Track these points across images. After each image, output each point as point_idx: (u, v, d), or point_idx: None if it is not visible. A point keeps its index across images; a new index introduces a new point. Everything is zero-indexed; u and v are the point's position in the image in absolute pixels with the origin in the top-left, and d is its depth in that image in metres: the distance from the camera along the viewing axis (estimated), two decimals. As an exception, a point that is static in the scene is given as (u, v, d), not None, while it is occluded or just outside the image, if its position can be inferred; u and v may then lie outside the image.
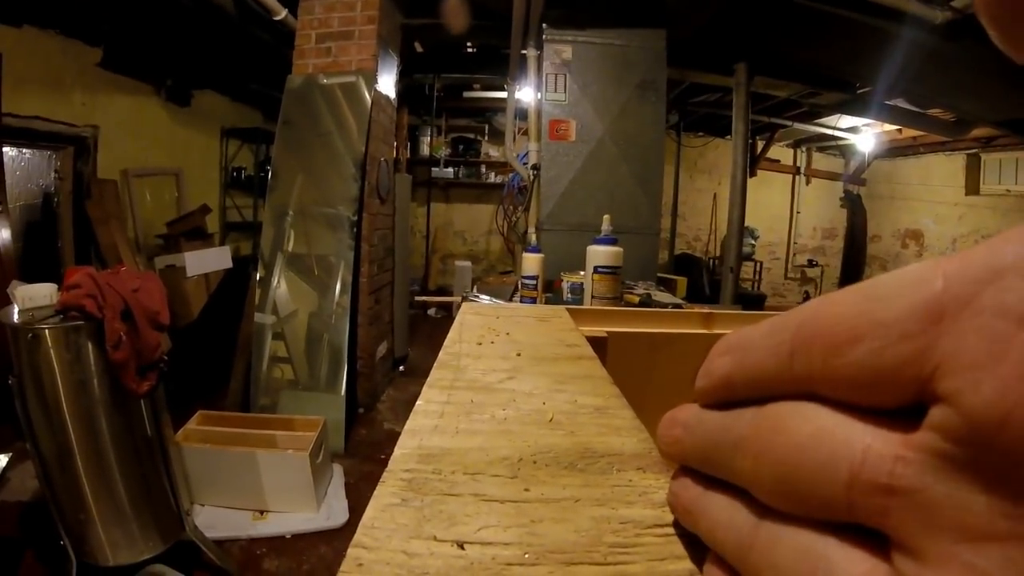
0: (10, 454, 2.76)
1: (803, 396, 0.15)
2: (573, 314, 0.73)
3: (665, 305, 1.86)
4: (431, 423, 0.33)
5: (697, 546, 0.22)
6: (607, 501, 0.26)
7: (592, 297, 1.59)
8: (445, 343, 0.51)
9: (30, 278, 2.29)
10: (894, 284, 0.13)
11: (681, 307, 1.82)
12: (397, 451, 0.29)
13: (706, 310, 0.90)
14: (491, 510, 0.24)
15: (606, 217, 1.71)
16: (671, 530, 0.24)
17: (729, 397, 0.18)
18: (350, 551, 0.21)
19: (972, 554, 0.11)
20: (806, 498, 0.14)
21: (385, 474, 0.26)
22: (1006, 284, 0.12)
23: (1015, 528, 0.11)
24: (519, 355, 0.47)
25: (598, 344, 0.62)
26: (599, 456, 0.30)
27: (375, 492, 0.25)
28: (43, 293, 2.08)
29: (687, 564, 0.22)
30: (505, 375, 0.42)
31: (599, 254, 1.60)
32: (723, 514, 0.17)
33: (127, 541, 2.14)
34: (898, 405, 0.13)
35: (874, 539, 0.13)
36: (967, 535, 0.11)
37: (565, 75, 3.48)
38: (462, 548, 0.21)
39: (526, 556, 0.21)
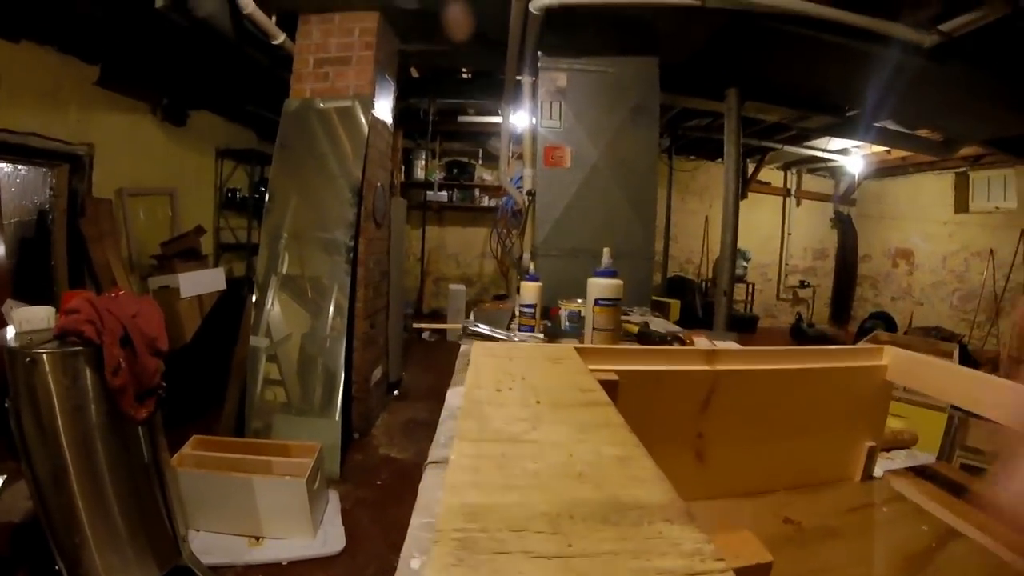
0: (4, 475, 2.73)
1: None
2: (582, 353, 0.75)
3: (664, 335, 1.88)
4: (468, 479, 0.35)
5: None
6: (642, 553, 0.28)
7: (593, 329, 1.61)
8: (465, 389, 0.53)
9: (22, 295, 2.30)
10: None
11: (680, 337, 1.85)
12: (442, 508, 0.31)
13: (709, 347, 0.92)
14: (541, 567, 0.26)
15: (606, 250, 1.73)
16: None
17: None
18: None
19: None
20: None
21: (437, 534, 0.28)
22: None
23: None
24: (538, 402, 0.49)
25: (609, 386, 0.64)
26: (628, 508, 0.32)
27: (432, 552, 0.27)
28: (40, 316, 2.07)
29: None
30: (528, 425, 0.44)
31: (600, 286, 1.62)
32: None
33: (122, 566, 2.13)
34: None
35: None
36: None
37: (560, 102, 3.53)
38: None
39: None
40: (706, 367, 0.88)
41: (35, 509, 2.06)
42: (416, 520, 0.83)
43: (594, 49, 3.57)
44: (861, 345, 1.10)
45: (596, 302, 1.61)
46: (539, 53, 3.56)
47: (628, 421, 0.82)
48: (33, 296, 2.17)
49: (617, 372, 0.72)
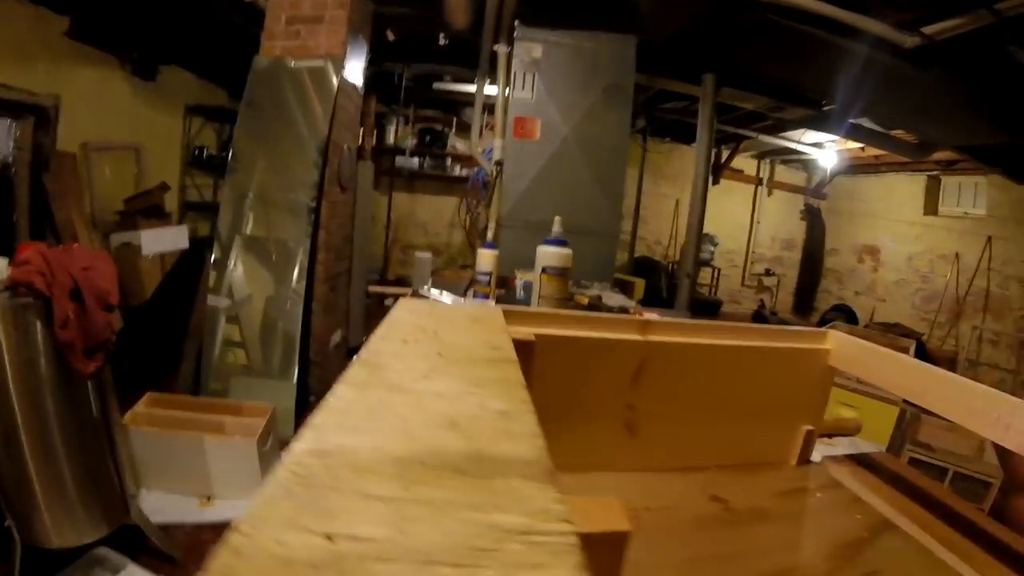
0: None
1: None
2: (508, 315, 0.74)
3: (613, 308, 1.89)
4: (333, 420, 0.34)
5: (561, 556, 0.24)
6: (482, 506, 0.27)
7: (540, 297, 1.61)
8: (371, 339, 0.52)
9: (-19, 250, 2.24)
10: None
11: (627, 311, 1.85)
12: (294, 444, 0.30)
13: (644, 317, 0.92)
14: (368, 507, 0.25)
15: (557, 218, 1.73)
16: (539, 538, 0.25)
17: None
18: (230, 537, 0.23)
19: None
20: None
21: (279, 467, 0.28)
22: None
23: None
24: (440, 355, 0.49)
25: (525, 347, 0.63)
26: (488, 460, 0.31)
27: (266, 482, 0.26)
28: (-7, 267, 2.04)
29: (543, 573, 0.23)
30: (420, 375, 0.43)
31: (548, 255, 1.62)
32: None
33: (71, 524, 2.11)
34: None
35: None
36: None
37: (534, 74, 3.51)
38: (331, 541, 0.23)
39: (388, 552, 0.22)
40: (637, 337, 0.87)
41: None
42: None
43: (573, 22, 3.54)
44: (804, 328, 1.09)
45: (544, 270, 1.61)
46: (516, 22, 3.52)
47: (554, 387, 0.82)
48: (-7, 252, 2.12)
49: (537, 335, 0.72)
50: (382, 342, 0.51)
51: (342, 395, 0.38)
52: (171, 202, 6.05)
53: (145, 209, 5.28)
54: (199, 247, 5.01)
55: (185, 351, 3.79)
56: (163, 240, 5.12)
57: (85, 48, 4.84)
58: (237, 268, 3.65)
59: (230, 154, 3.76)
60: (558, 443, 0.83)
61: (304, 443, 0.31)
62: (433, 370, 0.45)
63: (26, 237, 4.44)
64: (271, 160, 3.72)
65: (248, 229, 3.68)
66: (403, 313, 0.65)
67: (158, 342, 4.06)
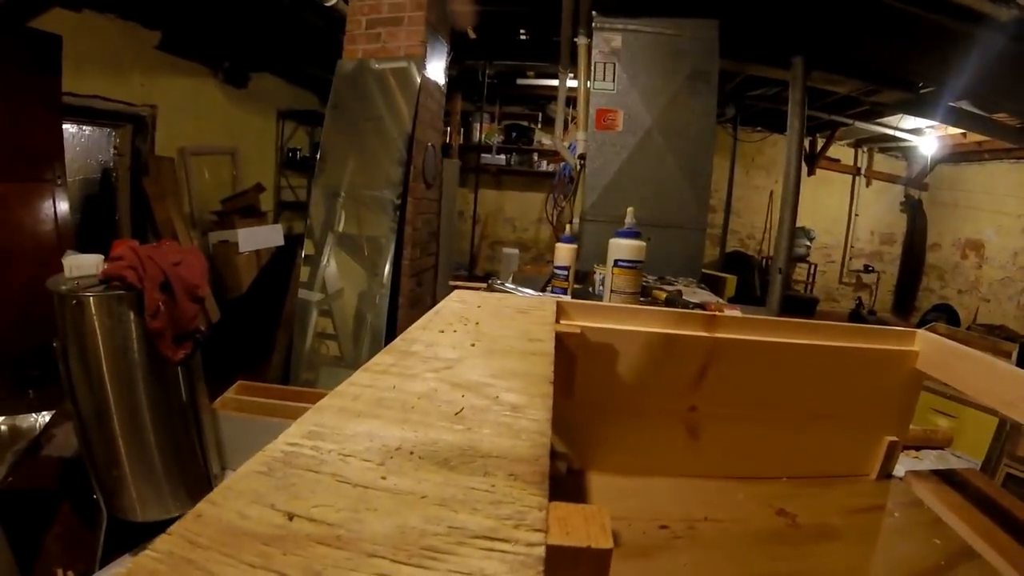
0: (52, 412, 2.87)
1: None
2: (563, 308, 0.72)
3: (689, 304, 1.83)
4: (341, 403, 0.34)
5: (518, 569, 0.22)
6: (451, 503, 0.25)
7: (611, 292, 1.57)
8: (410, 328, 0.52)
9: (87, 249, 2.40)
10: None
11: (703, 308, 1.79)
12: (293, 426, 0.30)
13: (710, 312, 0.88)
14: (337, 491, 0.25)
15: (630, 209, 1.69)
16: (502, 546, 0.23)
17: None
18: (199, 504, 0.22)
19: None
20: None
21: (270, 444, 0.27)
22: None
23: None
24: (473, 346, 0.48)
25: (572, 340, 0.61)
26: (478, 456, 0.30)
27: (253, 457, 0.26)
28: (90, 263, 2.19)
29: None
30: (444, 365, 0.42)
31: (620, 247, 1.58)
32: None
33: (156, 499, 2.26)
34: None
35: None
36: None
37: (614, 64, 3.45)
38: (290, 520, 0.22)
39: (338, 538, 0.21)
40: (703, 333, 0.82)
41: (79, 444, 2.18)
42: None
43: (651, 9, 3.46)
44: (889, 327, 1.00)
45: (616, 263, 1.57)
46: (593, 12, 3.48)
47: (609, 384, 0.79)
48: (97, 250, 2.29)
49: (586, 328, 0.69)
50: (420, 331, 0.51)
51: (358, 380, 0.38)
52: (267, 202, 6.30)
53: (241, 209, 5.50)
54: (294, 244, 5.19)
55: (277, 342, 3.93)
56: (258, 238, 5.32)
57: (177, 60, 5.10)
58: (330, 264, 3.76)
59: (318, 155, 3.87)
60: (612, 444, 0.82)
61: (304, 423, 0.30)
62: (459, 360, 0.44)
63: (128, 236, 4.72)
64: (358, 159, 3.81)
65: (341, 226, 3.79)
66: (452, 303, 0.65)
67: (252, 333, 4.24)
